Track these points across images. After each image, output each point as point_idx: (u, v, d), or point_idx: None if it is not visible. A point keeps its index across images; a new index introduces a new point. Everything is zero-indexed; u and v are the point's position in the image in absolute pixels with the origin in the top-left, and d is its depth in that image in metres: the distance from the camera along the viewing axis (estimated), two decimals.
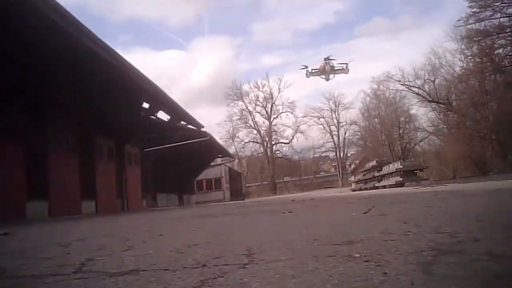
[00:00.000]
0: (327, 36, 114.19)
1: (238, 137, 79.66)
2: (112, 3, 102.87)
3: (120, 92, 17.83)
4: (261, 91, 79.55)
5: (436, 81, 42.01)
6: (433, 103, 43.22)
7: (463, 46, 40.90)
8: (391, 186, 30.06)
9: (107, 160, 20.47)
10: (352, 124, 75.23)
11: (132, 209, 22.09)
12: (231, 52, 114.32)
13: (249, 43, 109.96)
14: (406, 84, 43.39)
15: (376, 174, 35.48)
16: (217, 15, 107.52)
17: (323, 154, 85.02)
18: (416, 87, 42.88)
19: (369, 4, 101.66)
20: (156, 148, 28.89)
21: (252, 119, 79.92)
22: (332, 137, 79.31)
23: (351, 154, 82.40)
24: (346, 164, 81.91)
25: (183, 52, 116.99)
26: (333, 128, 78.83)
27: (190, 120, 27.47)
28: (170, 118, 26.19)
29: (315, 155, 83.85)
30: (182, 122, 30.18)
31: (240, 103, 79.05)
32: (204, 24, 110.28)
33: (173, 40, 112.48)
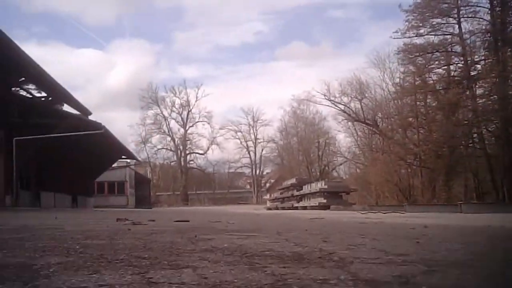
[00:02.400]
0: (248, 55, 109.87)
1: (151, 143, 73.30)
2: None
3: None
4: (177, 97, 73.98)
5: (363, 100, 38.15)
6: (359, 123, 39.18)
7: (385, 75, 38.07)
8: (313, 207, 25.44)
9: None
10: (269, 141, 71.40)
11: None
12: (151, 58, 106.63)
13: (169, 51, 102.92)
14: (332, 100, 38.90)
15: (296, 193, 30.75)
16: (138, 18, 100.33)
17: (239, 170, 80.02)
18: (343, 104, 38.58)
19: (290, 29, 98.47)
20: (38, 136, 22.20)
21: (166, 125, 73.97)
22: (249, 152, 75.34)
23: (267, 173, 78.13)
24: (262, 181, 77.24)
25: (101, 52, 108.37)
26: (250, 144, 74.65)
27: (74, 103, 21.11)
28: (47, 97, 19.79)
29: (230, 170, 78.54)
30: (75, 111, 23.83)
31: (155, 107, 72.81)
32: (125, 26, 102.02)
33: (90, 38, 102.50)
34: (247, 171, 79.46)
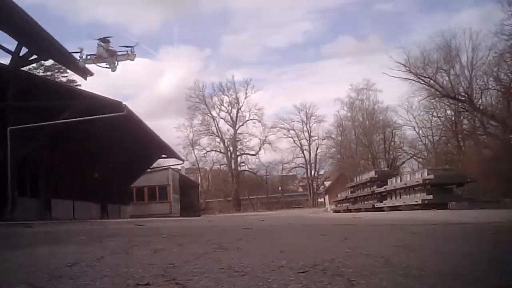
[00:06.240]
0: (296, 55, 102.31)
1: (200, 145, 66.76)
2: (72, 4, 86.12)
3: None
4: (226, 94, 67.61)
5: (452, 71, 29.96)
6: (443, 102, 30.90)
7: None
8: (410, 207, 17.81)
9: None
10: (325, 138, 63.51)
11: None
12: (199, 64, 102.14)
13: (217, 55, 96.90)
14: (414, 73, 30.69)
15: (378, 189, 23.10)
16: (185, 24, 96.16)
17: (292, 171, 72.84)
18: (426, 77, 30.24)
19: (337, 25, 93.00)
20: (40, 124, 15.72)
21: (215, 125, 67.27)
22: (303, 151, 67.67)
23: (320, 175, 70.23)
24: (316, 184, 69.45)
25: (150, 60, 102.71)
26: (304, 142, 67.30)
27: (67, 59, 14.21)
28: (31, 53, 13.17)
29: (283, 172, 71.10)
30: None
31: (203, 106, 66.35)
32: (173, 33, 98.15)
33: (138, 47, 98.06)
34: (301, 172, 72.11)
